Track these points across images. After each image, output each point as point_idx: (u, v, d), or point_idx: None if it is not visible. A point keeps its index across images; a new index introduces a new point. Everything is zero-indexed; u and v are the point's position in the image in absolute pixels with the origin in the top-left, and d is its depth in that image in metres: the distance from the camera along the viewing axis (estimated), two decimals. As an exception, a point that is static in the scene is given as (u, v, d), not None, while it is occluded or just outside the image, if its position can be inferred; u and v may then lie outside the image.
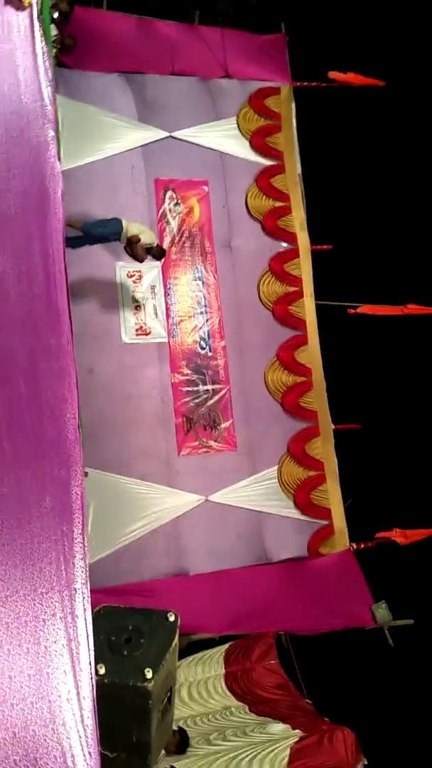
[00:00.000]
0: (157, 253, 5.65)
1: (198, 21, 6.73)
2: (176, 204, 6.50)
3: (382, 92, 6.98)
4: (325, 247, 6.81)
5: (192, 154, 6.56)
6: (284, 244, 6.70)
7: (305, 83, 6.96)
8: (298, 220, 6.67)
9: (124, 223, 5.42)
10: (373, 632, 5.75)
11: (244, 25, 6.90)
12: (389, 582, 6.03)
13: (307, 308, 6.56)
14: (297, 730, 4.52)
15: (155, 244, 5.61)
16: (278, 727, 4.63)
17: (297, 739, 4.40)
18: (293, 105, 6.92)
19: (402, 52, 7.05)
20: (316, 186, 6.79)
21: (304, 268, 6.61)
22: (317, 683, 5.48)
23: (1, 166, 2.50)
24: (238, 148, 6.69)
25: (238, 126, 6.73)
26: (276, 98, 6.88)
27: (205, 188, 6.59)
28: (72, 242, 5.40)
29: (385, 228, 7.04)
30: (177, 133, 6.52)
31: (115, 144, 6.31)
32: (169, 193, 6.49)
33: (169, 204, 6.48)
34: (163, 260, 5.95)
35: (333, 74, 6.81)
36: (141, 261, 5.63)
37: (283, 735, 4.48)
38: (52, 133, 2.61)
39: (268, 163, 6.73)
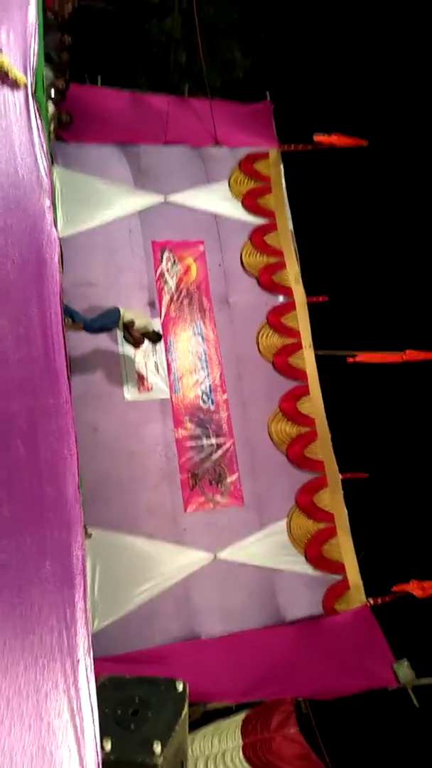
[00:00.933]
0: (154, 336, 5.87)
1: (188, 93, 7.14)
2: (173, 264, 6.68)
3: (365, 151, 7.29)
4: (320, 298, 6.93)
5: (187, 216, 6.81)
6: (281, 298, 6.83)
7: (292, 146, 7.28)
8: (292, 274, 6.83)
9: (122, 311, 5.69)
10: (397, 693, 5.45)
11: (231, 95, 7.32)
12: (410, 638, 5.77)
13: (307, 359, 6.61)
14: (322, 806, 4.22)
15: (151, 329, 5.87)
16: (302, 804, 4.33)
17: None
18: (281, 167, 7.22)
19: (383, 112, 7.42)
20: (308, 241, 7.00)
21: (301, 319, 6.71)
22: (341, 751, 5.16)
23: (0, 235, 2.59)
24: (231, 209, 6.94)
25: (230, 189, 7.01)
26: (265, 162, 7.19)
27: (201, 248, 6.79)
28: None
29: (378, 277, 7.21)
30: (172, 198, 6.78)
31: (113, 210, 6.56)
32: (166, 254, 6.68)
33: (166, 264, 6.66)
34: (161, 341, 6.09)
35: (318, 137, 7.15)
36: (138, 345, 5.83)
37: None
38: (48, 203, 2.71)
39: (261, 222, 6.97)
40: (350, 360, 6.63)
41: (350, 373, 6.59)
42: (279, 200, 7.03)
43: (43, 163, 2.74)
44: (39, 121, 2.77)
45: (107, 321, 5.66)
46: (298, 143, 7.28)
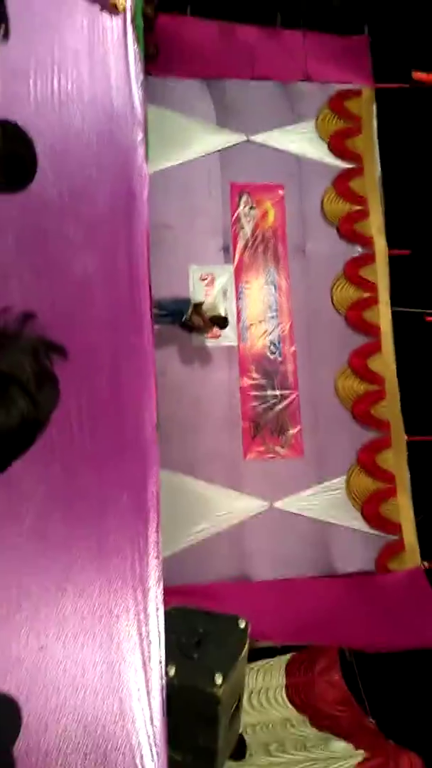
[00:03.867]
0: (221, 321, 5.86)
1: (280, 23, 6.70)
2: (251, 208, 6.49)
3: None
4: (402, 252, 6.58)
5: (269, 157, 6.54)
6: (359, 249, 6.54)
7: (387, 85, 6.77)
8: (375, 224, 6.49)
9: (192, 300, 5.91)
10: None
11: (326, 26, 6.79)
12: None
13: (382, 314, 6.36)
14: (360, 750, 4.39)
15: (218, 313, 5.91)
16: (340, 745, 4.51)
17: (360, 759, 4.27)
18: (374, 107, 6.75)
19: None
20: (395, 189, 6.57)
21: (380, 273, 6.42)
22: (381, 702, 5.28)
23: (92, 168, 2.57)
24: (316, 151, 6.60)
25: (317, 129, 6.63)
26: (357, 100, 6.73)
27: (281, 192, 6.54)
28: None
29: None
30: (255, 137, 6.51)
31: (193, 149, 6.38)
32: (244, 198, 6.49)
33: (243, 208, 6.48)
34: (227, 326, 6.03)
35: (417, 74, 6.59)
36: (205, 329, 5.89)
37: (345, 754, 4.35)
38: (141, 136, 2.65)
39: (347, 166, 6.60)
40: (428, 318, 6.33)
41: (427, 332, 6.31)
42: (368, 143, 6.61)
43: (138, 94, 2.66)
44: (136, 50, 2.67)
45: (180, 304, 5.75)
46: (394, 81, 6.75)
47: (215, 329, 5.98)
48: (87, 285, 2.47)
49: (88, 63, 2.57)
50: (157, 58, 6.24)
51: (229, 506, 5.91)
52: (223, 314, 6.07)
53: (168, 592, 5.14)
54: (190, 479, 5.86)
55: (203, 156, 6.40)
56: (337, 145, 6.57)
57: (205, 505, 5.85)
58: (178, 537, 5.66)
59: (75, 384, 2.43)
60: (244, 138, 6.49)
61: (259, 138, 6.51)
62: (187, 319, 5.80)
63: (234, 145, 6.47)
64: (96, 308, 2.48)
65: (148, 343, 2.54)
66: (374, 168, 6.58)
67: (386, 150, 6.62)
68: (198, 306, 5.78)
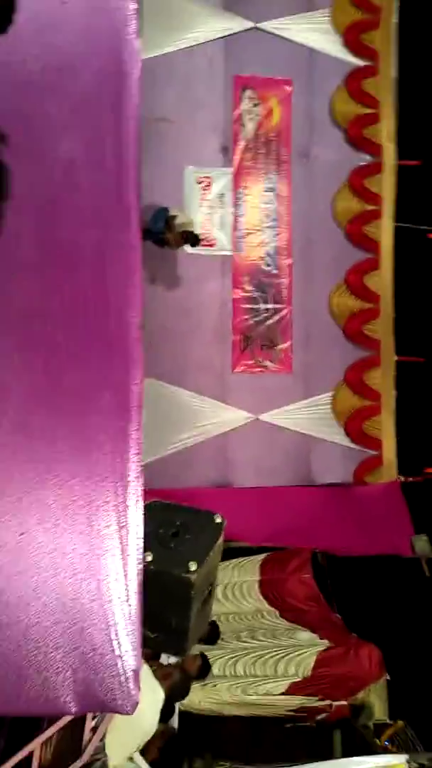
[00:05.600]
0: (193, 239, 5.47)
1: None
2: (255, 105, 6.08)
3: None
4: (413, 162, 6.24)
5: (277, 48, 6.03)
6: (367, 157, 6.20)
7: (413, -31, 6.13)
8: (386, 129, 6.09)
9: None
10: (410, 561, 5.81)
11: None
12: (433, 518, 6.00)
13: (384, 229, 6.14)
14: (324, 640, 4.76)
15: (193, 229, 5.52)
16: (306, 635, 4.89)
17: (324, 648, 4.64)
18: (396, -3, 6.15)
19: None
20: (411, 93, 6.14)
21: (386, 184, 6.12)
22: (348, 602, 5.67)
23: (80, 41, 2.34)
24: (329, 44, 6.06)
25: (332, 19, 6.06)
26: (377, -13, 6.11)
27: (288, 88, 6.10)
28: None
29: None
30: (263, 24, 5.97)
31: (195, 34, 5.86)
32: (247, 93, 6.06)
33: (247, 105, 6.07)
34: (198, 244, 5.60)
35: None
36: (176, 245, 5.48)
37: (310, 642, 4.72)
38: (134, 5, 2.40)
39: (361, 63, 6.10)
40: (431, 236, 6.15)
41: (428, 250, 6.14)
42: (386, 38, 6.05)
43: None
44: None
45: (160, 219, 5.30)
46: (421, -35, 6.11)
47: (185, 246, 5.60)
48: (71, 171, 2.32)
49: None
50: None
51: (215, 417, 6.02)
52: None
53: (149, 494, 5.35)
54: (177, 389, 5.92)
55: (205, 43, 5.89)
56: (351, 38, 6.02)
57: (190, 414, 5.95)
58: (163, 443, 5.80)
59: (57, 277, 2.36)
60: (252, 25, 5.95)
61: (268, 25, 5.98)
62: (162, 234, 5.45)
63: (240, 32, 5.94)
64: (80, 197, 2.35)
65: (134, 238, 2.43)
66: (390, 67, 6.08)
67: (405, 47, 6.11)
68: (171, 219, 5.36)
